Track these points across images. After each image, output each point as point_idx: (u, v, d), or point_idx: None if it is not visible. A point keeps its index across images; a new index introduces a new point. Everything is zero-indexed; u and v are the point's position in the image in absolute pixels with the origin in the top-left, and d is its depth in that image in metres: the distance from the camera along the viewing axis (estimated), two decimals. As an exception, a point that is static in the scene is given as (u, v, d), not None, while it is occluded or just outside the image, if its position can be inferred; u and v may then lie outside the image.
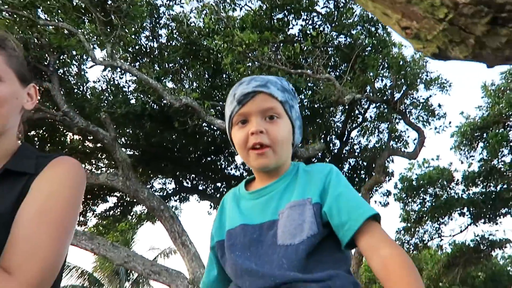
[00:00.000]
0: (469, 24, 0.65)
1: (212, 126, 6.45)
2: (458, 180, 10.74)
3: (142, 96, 6.47)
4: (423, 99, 7.73)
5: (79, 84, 6.93)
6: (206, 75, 6.73)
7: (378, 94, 7.00)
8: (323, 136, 8.33)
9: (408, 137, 8.84)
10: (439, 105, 7.90)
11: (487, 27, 0.63)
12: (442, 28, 0.69)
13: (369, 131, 8.85)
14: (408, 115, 7.70)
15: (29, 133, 6.82)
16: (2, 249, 0.77)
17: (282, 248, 0.89)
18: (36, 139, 7.06)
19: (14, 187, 0.84)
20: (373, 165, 8.53)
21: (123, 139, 7.87)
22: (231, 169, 9.18)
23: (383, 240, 0.85)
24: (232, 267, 0.95)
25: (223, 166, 8.92)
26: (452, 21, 0.66)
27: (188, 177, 9.60)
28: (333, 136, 8.91)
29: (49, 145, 7.33)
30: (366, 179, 9.09)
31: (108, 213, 9.31)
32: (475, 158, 9.93)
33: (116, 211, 9.40)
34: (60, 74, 6.31)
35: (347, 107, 7.51)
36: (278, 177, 1.02)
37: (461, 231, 11.34)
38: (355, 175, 9.59)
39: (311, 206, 0.92)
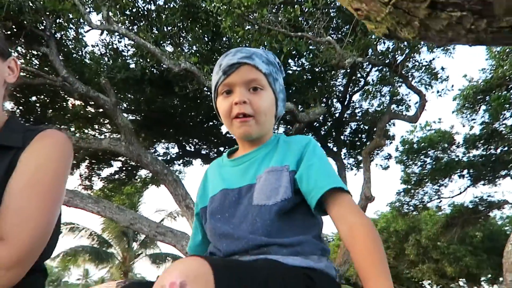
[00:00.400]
0: (411, 8, 0.68)
1: (212, 91, 6.42)
2: (459, 143, 10.75)
3: (141, 60, 6.41)
4: (426, 62, 7.60)
5: (77, 48, 6.86)
6: (205, 39, 6.63)
7: (380, 57, 6.89)
8: (324, 100, 8.29)
9: (409, 100, 8.79)
10: (442, 68, 7.77)
11: (428, 10, 0.67)
12: (388, 11, 0.72)
13: (371, 95, 8.78)
14: (410, 78, 7.61)
15: (30, 99, 6.84)
16: None
17: (256, 207, 0.95)
18: (37, 105, 7.09)
19: (2, 161, 0.87)
20: (374, 129, 8.55)
21: (124, 104, 7.88)
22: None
23: (350, 210, 0.90)
24: (211, 230, 1.01)
25: (224, 130, 8.96)
26: (396, 4, 0.69)
27: (191, 141, 9.68)
28: (335, 100, 8.87)
29: (51, 110, 7.37)
30: (367, 143, 9.13)
31: (113, 177, 9.48)
32: (477, 121, 9.90)
33: (121, 175, 9.56)
34: (57, 38, 6.24)
35: (348, 70, 7.42)
36: (259, 145, 1.07)
37: (460, 193, 11.49)
38: (356, 138, 9.63)
39: (288, 173, 0.97)
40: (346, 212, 0.89)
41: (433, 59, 7.63)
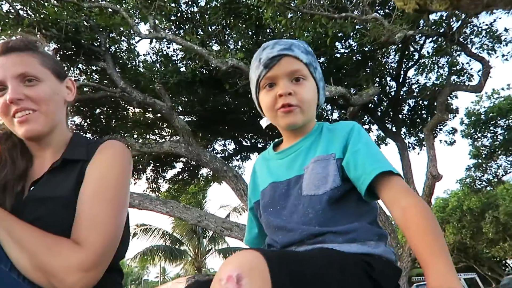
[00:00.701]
0: None
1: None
2: (533, 108, 9.84)
3: (190, 63, 6.62)
4: (486, 25, 6.99)
5: (130, 59, 7.25)
6: (249, 33, 6.67)
7: (433, 27, 6.48)
8: (377, 79, 7.99)
9: (471, 69, 8.15)
10: (506, 29, 7.11)
11: None
12: None
13: (427, 68, 8.30)
14: (469, 45, 7.07)
15: (94, 112, 7.36)
16: (67, 225, 0.90)
17: (307, 198, 0.96)
18: (101, 116, 7.61)
19: (71, 173, 0.97)
20: (435, 104, 8.08)
21: (179, 108, 8.19)
22: (286, 124, 9.20)
23: (402, 192, 0.88)
24: (266, 224, 1.05)
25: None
26: None
27: (246, 136, 9.82)
28: (388, 78, 8.50)
29: (114, 120, 7.87)
30: (429, 119, 8.67)
31: (177, 177, 9.90)
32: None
33: (184, 175, 9.96)
34: (112, 52, 6.64)
35: (400, 46, 7.08)
36: (304, 136, 1.08)
37: (539, 163, 10.56)
38: (415, 116, 9.17)
39: (335, 161, 0.98)
40: (398, 195, 0.88)
41: (494, 20, 7.01)
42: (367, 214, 0.97)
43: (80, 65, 6.53)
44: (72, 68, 6.56)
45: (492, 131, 10.13)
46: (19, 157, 1.02)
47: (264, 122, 1.18)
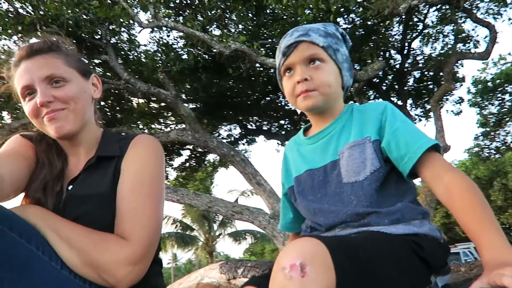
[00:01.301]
0: None
1: (265, 66, 6.37)
2: (541, 72, 9.70)
3: (192, 50, 6.54)
4: (491, -12, 6.85)
5: (132, 50, 7.18)
6: (250, 15, 6.55)
7: (437, -5, 6.34)
8: (381, 53, 7.87)
9: (477, 35, 8.00)
10: (511, -8, 6.96)
11: None
12: None
13: (432, 38, 8.15)
14: (475, 11, 6.92)
15: (99, 105, 7.34)
16: (108, 221, 0.93)
17: (348, 185, 0.96)
18: (106, 109, 7.59)
19: (107, 170, 0.99)
20: (441, 74, 7.97)
21: (183, 95, 8.14)
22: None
23: (444, 168, 0.88)
24: (306, 209, 1.04)
25: (283, 103, 8.92)
26: None
27: (251, 120, 9.80)
28: (393, 51, 8.37)
29: (119, 113, 7.85)
30: (435, 90, 8.57)
31: (184, 165, 9.93)
32: (561, 43, 8.82)
33: (191, 162, 9.99)
34: (113, 44, 6.56)
35: (403, 17, 6.94)
36: (333, 119, 1.07)
37: (548, 127, 10.47)
38: (421, 87, 9.08)
39: (371, 144, 0.97)
40: (440, 172, 0.87)
41: (499, -17, 6.84)
42: (408, 193, 0.97)
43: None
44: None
45: (499, 98, 10.03)
46: (55, 157, 1.04)
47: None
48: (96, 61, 6.66)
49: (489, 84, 9.84)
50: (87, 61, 6.66)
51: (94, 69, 6.83)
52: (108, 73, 6.86)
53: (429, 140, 0.90)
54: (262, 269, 1.86)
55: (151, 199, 0.95)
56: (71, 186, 1.00)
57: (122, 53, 6.92)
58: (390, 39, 7.94)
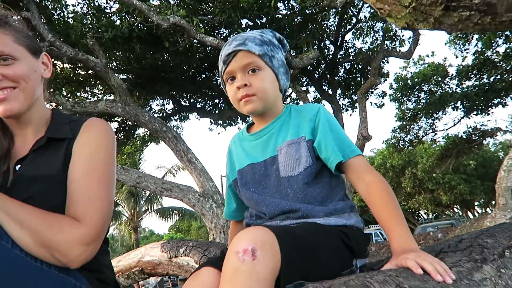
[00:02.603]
0: (428, 9, 0.81)
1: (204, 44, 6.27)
2: (452, 75, 10.77)
3: (127, 17, 6.20)
4: (419, -7, 7.38)
5: (57, 9, 6.59)
6: (191, -12, 6.37)
7: (371, -8, 6.68)
8: (316, 42, 8.16)
9: (403, 35, 8.66)
10: None
11: (442, 12, 0.80)
12: (407, 12, 0.86)
13: (364, 32, 8.63)
14: (402, 13, 7.42)
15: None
16: (58, 203, 0.94)
17: (285, 179, 1.08)
18: (26, 72, 6.93)
19: (58, 152, 0.98)
20: (369, 68, 8.50)
21: (114, 64, 7.72)
22: (226, 84, 9.13)
23: (365, 170, 1.03)
24: (249, 200, 1.15)
25: (218, 82, 8.88)
26: (415, 7, 0.83)
27: (185, 96, 9.62)
28: (327, 41, 8.72)
29: (41, 77, 7.21)
30: (362, 82, 9.12)
31: (111, 138, 9.49)
32: (470, 51, 9.84)
33: (120, 135, 9.59)
34: (37, 0, 5.98)
35: (339, 9, 7.24)
36: (273, 119, 1.18)
37: (454, 125, 11.73)
38: (350, 79, 9.60)
39: (305, 143, 1.09)
40: (362, 173, 1.03)
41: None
42: (339, 187, 1.12)
43: (-2, 13, 5.79)
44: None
45: (416, 96, 10.98)
46: (1, 136, 1.01)
47: None
48: (16, 17, 6.02)
49: (409, 81, 10.71)
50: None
51: (15, 21, 6.17)
52: (29, 33, 6.25)
53: (354, 151, 1.06)
54: (203, 249, 1.94)
55: (104, 182, 0.97)
56: (18, 166, 0.97)
57: (47, 11, 6.32)
58: (326, 29, 8.25)
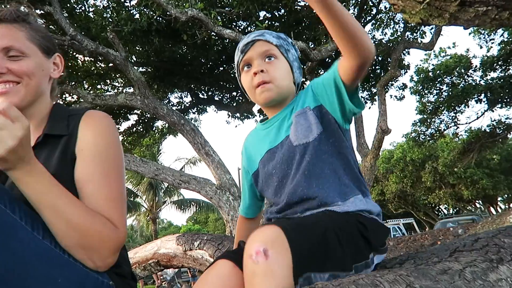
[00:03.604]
0: (443, 5, 0.77)
1: (221, 36, 6.27)
2: (476, 66, 10.46)
3: (146, 11, 6.25)
4: (442, -17, 7.17)
5: (79, 3, 6.70)
6: (209, -20, 6.35)
7: (392, -17, 6.53)
8: (335, 34, 8.03)
9: (424, 26, 8.44)
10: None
11: (458, 7, 0.76)
12: (422, 7, 0.82)
13: (384, 23, 8.45)
14: (425, 3, 7.24)
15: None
16: None
17: (301, 147, 1.07)
18: (49, 65, 7.09)
19: (55, 149, 0.98)
20: (389, 59, 8.34)
21: (133, 57, 7.81)
22: (244, 77, 9.12)
23: None
24: (270, 188, 1.15)
25: (236, 75, 8.89)
26: (429, 3, 0.79)
27: (203, 89, 9.66)
28: (346, 33, 8.57)
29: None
30: (381, 74, 8.96)
31: (131, 130, 9.65)
32: (495, 41, 9.53)
33: (139, 128, 9.72)
34: (59, -5, 6.07)
35: (359, 1, 7.10)
36: (285, 106, 1.19)
37: (477, 118, 11.43)
38: (369, 71, 9.44)
39: (312, 112, 1.10)
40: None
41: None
42: (351, 166, 1.09)
43: (22, 8, 5.94)
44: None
45: (438, 88, 10.72)
46: None
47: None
48: (39, 11, 6.15)
49: (430, 74, 10.46)
50: (30, 11, 6.11)
51: (36, 20, 6.31)
52: (51, 27, 6.38)
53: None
54: (217, 243, 1.96)
55: (120, 183, 0.98)
56: None
57: (68, 5, 6.43)
58: (345, 21, 8.10)
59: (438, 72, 10.40)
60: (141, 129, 9.84)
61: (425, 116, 11.30)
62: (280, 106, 1.19)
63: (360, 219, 0.96)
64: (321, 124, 1.07)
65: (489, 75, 10.31)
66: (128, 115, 9.21)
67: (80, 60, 7.51)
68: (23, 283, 0.76)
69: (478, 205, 25.31)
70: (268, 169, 1.16)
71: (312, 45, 7.17)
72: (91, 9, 6.88)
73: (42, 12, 6.04)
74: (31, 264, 0.77)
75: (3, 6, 5.76)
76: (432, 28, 7.83)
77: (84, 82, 7.90)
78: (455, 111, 11.27)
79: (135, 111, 9.02)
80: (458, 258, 0.78)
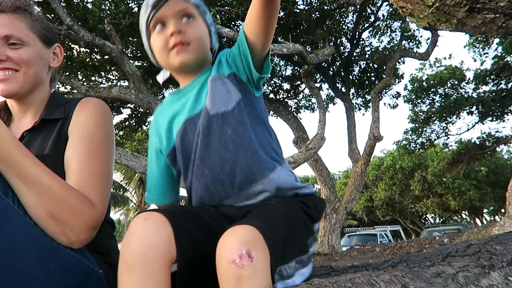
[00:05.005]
0: (451, 10, 0.78)
1: (220, 35, 6.25)
2: (469, 79, 10.60)
3: (145, 4, 6.22)
4: (440, -6, 7.26)
5: (77, -7, 6.64)
6: (210, -22, 6.34)
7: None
8: (333, 39, 8.09)
9: (421, 36, 8.54)
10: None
11: (466, 13, 0.77)
12: (430, 11, 0.83)
13: (381, 31, 8.53)
14: (422, 13, 7.32)
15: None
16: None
17: (218, 116, 0.98)
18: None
19: (51, 132, 1.00)
20: (384, 67, 8.41)
21: (129, 50, 7.76)
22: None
23: None
24: (189, 157, 1.02)
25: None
26: (438, 7, 0.80)
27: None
28: (344, 39, 8.64)
29: (57, 60, 7.28)
30: (376, 82, 9.04)
31: (123, 124, 9.59)
32: (489, 55, 9.67)
33: (131, 122, 9.66)
34: (57, -17, 6.01)
35: (358, 7, 7.16)
36: (201, 71, 1.08)
37: (468, 130, 11.57)
38: (365, 78, 9.52)
39: (227, 79, 1.01)
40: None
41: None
42: (272, 134, 1.05)
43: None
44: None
45: (431, 98, 10.84)
46: (3, 119, 1.05)
47: (161, 76, 1.13)
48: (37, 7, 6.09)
49: (424, 84, 10.57)
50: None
51: (36, 11, 6.24)
52: (48, 15, 6.31)
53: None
54: None
55: (107, 164, 0.98)
56: None
57: (66, -5, 6.38)
58: (343, 26, 8.17)
59: (432, 82, 10.52)
60: (134, 124, 9.79)
61: (417, 125, 11.41)
62: (195, 73, 1.06)
63: (300, 198, 0.95)
64: (238, 90, 0.99)
65: (482, 88, 10.47)
66: (121, 108, 9.15)
67: (75, 50, 7.44)
68: (15, 267, 0.75)
69: (464, 216, 25.62)
70: (188, 141, 1.01)
71: (310, 49, 7.19)
72: (89, 0, 6.83)
73: (40, 0, 5.98)
74: (23, 249, 0.76)
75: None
76: (428, 39, 7.92)
77: (79, 73, 7.83)
78: (446, 121, 11.40)
79: (129, 105, 8.96)
80: (451, 263, 0.79)
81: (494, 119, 10.78)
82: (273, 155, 1.00)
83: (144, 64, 8.31)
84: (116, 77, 8.75)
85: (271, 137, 1.03)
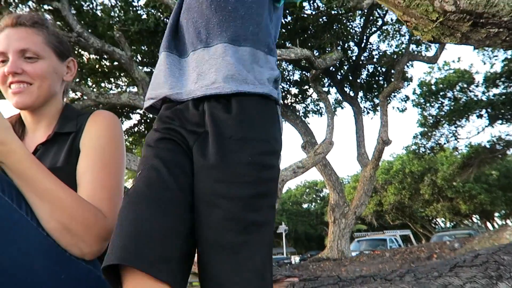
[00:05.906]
0: (455, 25, 0.80)
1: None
2: (478, 82, 10.51)
3: (153, 11, 6.29)
4: (448, -3, 7.21)
5: (86, 1, 6.75)
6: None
7: (399, -5, 6.57)
8: (340, 43, 8.09)
9: (436, 44, 8.48)
10: (465, 4, 7.39)
11: (470, 28, 0.79)
12: (434, 26, 0.86)
13: (389, 35, 8.51)
14: (430, 17, 7.28)
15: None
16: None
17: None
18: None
19: (63, 145, 1.03)
20: (392, 71, 8.38)
21: (138, 57, 7.85)
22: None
23: None
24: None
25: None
26: (442, 22, 0.83)
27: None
28: (351, 43, 8.63)
29: (67, 67, 7.38)
30: (385, 85, 9.00)
31: (133, 129, 9.66)
32: (499, 58, 9.58)
33: (141, 128, 9.73)
34: (68, -8, 6.12)
35: (365, 11, 7.15)
36: None
37: (478, 133, 11.45)
38: (373, 81, 9.48)
39: None
40: None
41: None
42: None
43: (30, 3, 5.98)
44: (20, 5, 6.01)
45: (439, 102, 10.76)
46: (18, 132, 1.08)
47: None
48: (47, 7, 6.19)
49: (433, 87, 10.50)
50: (37, 5, 6.20)
51: (44, 15, 6.35)
52: (58, 22, 6.42)
53: None
54: None
55: (119, 177, 1.00)
56: None
57: (76, 2, 6.48)
58: (351, 30, 8.17)
59: (440, 85, 10.44)
60: (143, 129, 9.85)
61: (426, 129, 11.31)
62: None
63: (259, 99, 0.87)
64: None
65: (491, 91, 10.37)
66: (130, 114, 9.22)
67: (85, 57, 7.55)
68: (28, 279, 0.77)
69: (475, 220, 25.29)
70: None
71: (317, 53, 7.20)
72: (99, 7, 6.93)
73: (51, 8, 6.08)
74: (36, 260, 0.78)
75: (15, 1, 5.81)
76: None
77: (88, 79, 7.93)
78: (456, 125, 11.30)
79: (138, 110, 9.03)
80: (458, 274, 0.79)
81: (505, 122, 10.65)
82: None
83: (153, 70, 8.38)
84: (126, 83, 8.84)
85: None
